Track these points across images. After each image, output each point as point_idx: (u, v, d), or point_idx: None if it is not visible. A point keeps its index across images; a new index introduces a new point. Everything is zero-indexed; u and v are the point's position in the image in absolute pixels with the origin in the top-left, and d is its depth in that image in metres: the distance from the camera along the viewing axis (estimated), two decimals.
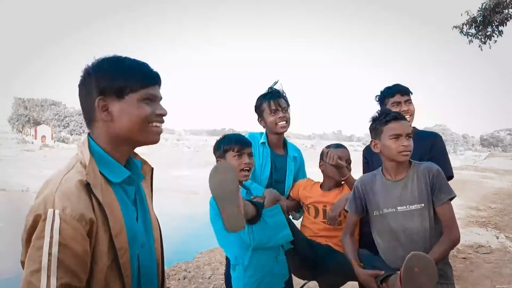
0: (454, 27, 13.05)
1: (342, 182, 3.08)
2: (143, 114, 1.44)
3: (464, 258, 6.58)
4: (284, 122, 3.17)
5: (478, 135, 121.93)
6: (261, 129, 3.35)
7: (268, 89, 3.26)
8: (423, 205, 2.40)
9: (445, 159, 2.90)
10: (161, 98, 1.53)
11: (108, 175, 1.42)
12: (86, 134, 1.48)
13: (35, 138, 63.93)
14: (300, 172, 3.42)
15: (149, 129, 1.48)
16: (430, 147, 2.89)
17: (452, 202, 2.42)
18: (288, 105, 3.24)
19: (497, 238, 7.96)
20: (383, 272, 2.36)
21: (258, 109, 3.26)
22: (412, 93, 3.04)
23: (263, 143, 3.23)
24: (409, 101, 2.99)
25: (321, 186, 3.14)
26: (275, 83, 3.27)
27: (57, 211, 1.21)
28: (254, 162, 2.75)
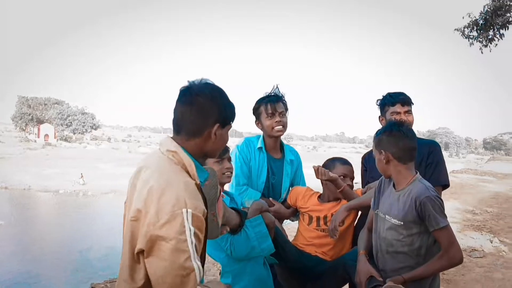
0: (455, 29, 12.99)
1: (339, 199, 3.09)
2: (227, 140, 1.90)
3: None
4: (281, 127, 3.18)
5: (481, 138, 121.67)
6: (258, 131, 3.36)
7: (267, 93, 3.25)
8: (402, 223, 2.40)
9: (441, 167, 2.92)
10: None
11: (199, 177, 1.76)
12: (175, 144, 1.74)
13: (38, 137, 63.88)
14: (297, 174, 3.43)
15: (220, 151, 1.95)
16: (428, 155, 2.91)
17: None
18: (286, 109, 3.24)
19: (491, 242, 7.99)
20: (380, 278, 2.41)
21: (256, 111, 3.27)
22: (413, 104, 3.03)
23: (260, 148, 3.24)
24: (409, 112, 2.97)
25: (319, 197, 3.16)
26: (274, 88, 3.27)
27: (189, 210, 1.52)
28: (232, 165, 2.77)
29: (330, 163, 3.17)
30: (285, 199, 3.30)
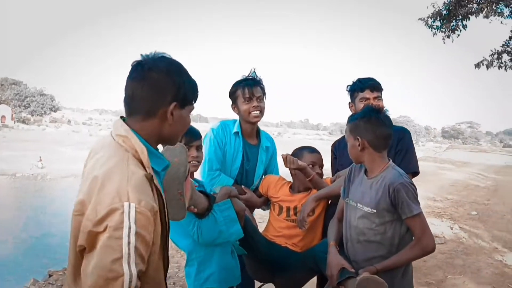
0: (419, 19, 13.13)
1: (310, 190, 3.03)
2: (188, 124, 1.70)
3: None
4: (258, 112, 3.08)
5: (440, 127, 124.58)
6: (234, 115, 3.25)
7: (244, 76, 3.15)
8: (374, 211, 2.35)
9: (411, 154, 2.88)
10: None
11: (155, 166, 1.57)
12: (126, 128, 1.54)
13: None
14: (272, 162, 3.35)
15: (180, 135, 1.73)
16: (397, 141, 2.86)
17: None
18: (264, 94, 3.14)
19: (451, 229, 8.19)
20: (352, 269, 2.35)
21: (232, 95, 3.16)
22: (383, 90, 2.98)
23: (236, 132, 3.13)
24: (378, 98, 2.92)
25: (291, 187, 3.09)
26: (252, 71, 3.16)
27: (132, 204, 1.33)
28: (203, 155, 2.67)
29: (298, 152, 3.11)
30: (258, 187, 3.21)
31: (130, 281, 1.29)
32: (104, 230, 1.30)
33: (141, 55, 1.60)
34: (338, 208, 2.69)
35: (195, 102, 1.67)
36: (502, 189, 14.86)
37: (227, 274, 2.54)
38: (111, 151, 1.49)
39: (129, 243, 1.30)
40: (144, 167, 1.48)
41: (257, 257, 2.78)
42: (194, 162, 2.55)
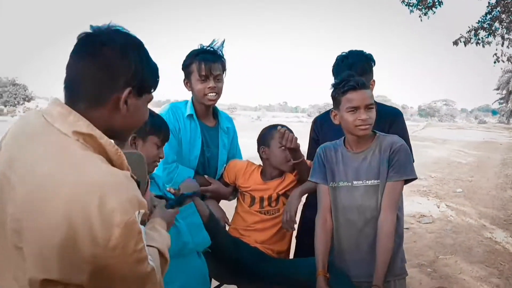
0: None
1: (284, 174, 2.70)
2: (146, 116, 1.39)
3: (407, 228, 6.59)
4: (214, 94, 2.63)
5: (416, 105, 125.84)
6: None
7: (203, 46, 2.68)
8: (379, 181, 2.19)
9: (405, 141, 2.52)
10: None
11: None
12: (88, 123, 1.18)
13: None
14: (233, 145, 2.95)
15: (133, 131, 1.48)
16: (389, 125, 2.58)
17: None
18: (224, 70, 2.69)
19: (438, 208, 8.10)
20: None
21: (186, 69, 2.67)
22: (374, 64, 2.68)
23: (190, 115, 2.69)
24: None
25: (261, 173, 2.74)
26: (215, 43, 2.68)
27: (141, 211, 1.12)
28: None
29: (267, 132, 2.73)
30: (222, 175, 2.83)
31: (158, 271, 1.26)
32: (123, 253, 1.07)
33: (91, 26, 1.25)
34: (321, 199, 2.37)
35: (154, 90, 1.36)
36: (484, 165, 14.89)
37: (197, 280, 2.24)
38: (78, 154, 1.12)
39: (144, 241, 1.15)
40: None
41: (222, 259, 2.43)
42: (158, 161, 2.18)
